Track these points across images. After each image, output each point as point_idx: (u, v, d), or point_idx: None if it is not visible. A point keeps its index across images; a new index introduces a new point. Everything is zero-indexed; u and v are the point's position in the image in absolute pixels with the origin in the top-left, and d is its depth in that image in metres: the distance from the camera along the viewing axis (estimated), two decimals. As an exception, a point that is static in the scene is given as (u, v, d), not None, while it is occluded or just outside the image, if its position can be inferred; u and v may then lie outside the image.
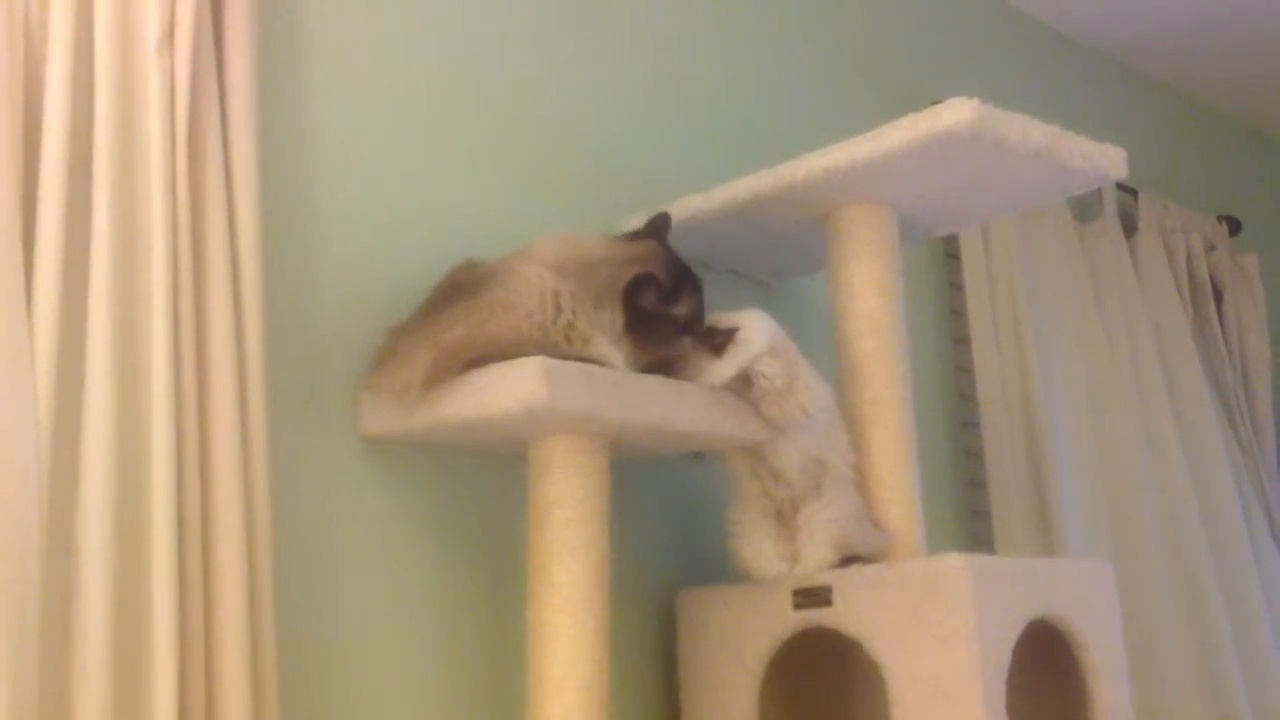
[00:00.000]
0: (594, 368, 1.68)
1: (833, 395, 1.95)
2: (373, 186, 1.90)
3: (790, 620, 1.86)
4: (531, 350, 1.63)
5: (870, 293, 2.00)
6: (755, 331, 1.84)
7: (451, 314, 1.71)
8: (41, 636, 1.40)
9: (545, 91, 2.16)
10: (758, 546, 1.90)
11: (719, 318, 1.86)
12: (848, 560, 1.85)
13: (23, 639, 1.38)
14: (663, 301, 1.77)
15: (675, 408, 1.77)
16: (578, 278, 1.73)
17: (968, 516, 2.67)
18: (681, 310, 1.80)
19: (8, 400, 1.42)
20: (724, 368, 1.82)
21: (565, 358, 1.66)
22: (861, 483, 1.93)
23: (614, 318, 1.74)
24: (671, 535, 2.13)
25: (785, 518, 1.91)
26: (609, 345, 1.72)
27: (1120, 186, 3.15)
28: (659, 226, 1.88)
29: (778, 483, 1.91)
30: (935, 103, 1.88)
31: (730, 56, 2.48)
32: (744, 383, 1.84)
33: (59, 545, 1.44)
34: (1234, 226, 3.56)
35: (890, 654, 1.75)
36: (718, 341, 1.82)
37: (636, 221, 2.06)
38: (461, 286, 1.74)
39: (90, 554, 1.45)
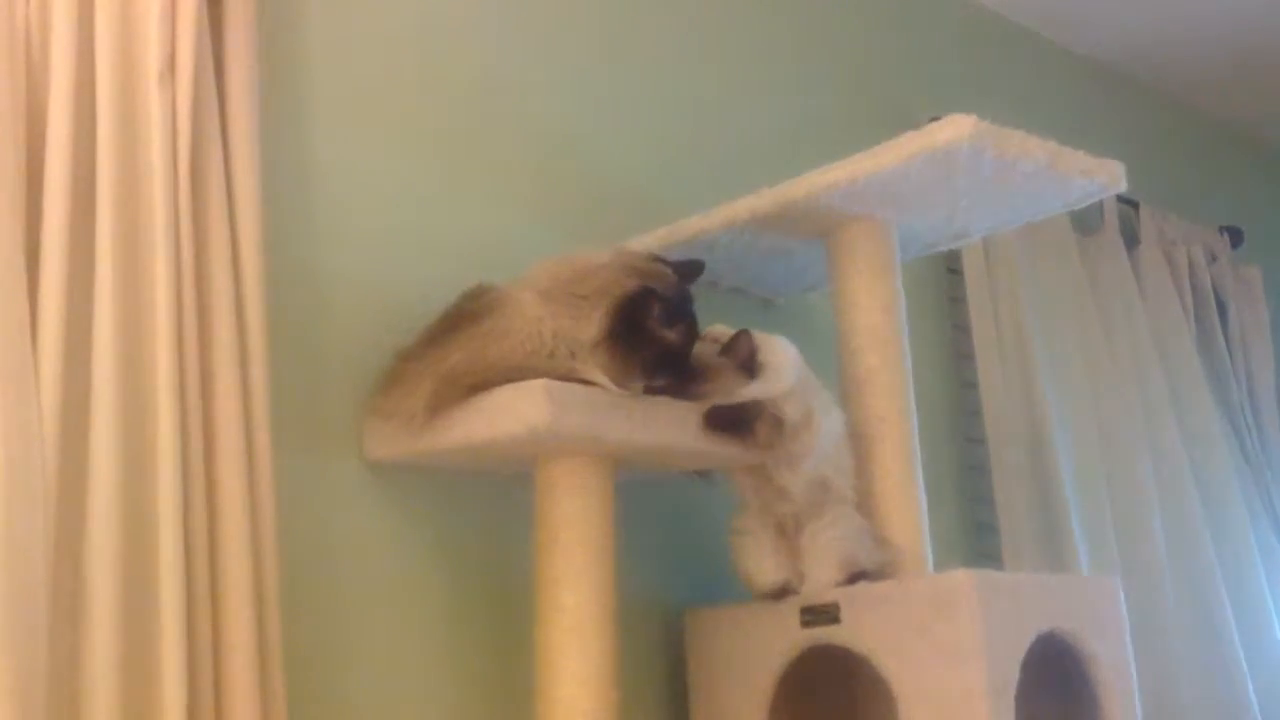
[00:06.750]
0: (597, 390, 1.68)
1: (843, 418, 1.94)
2: (376, 213, 1.91)
3: (798, 638, 1.86)
4: (529, 376, 1.64)
5: (873, 308, 2.01)
6: (784, 364, 1.83)
7: (455, 341, 1.72)
8: (50, 658, 1.40)
9: (547, 115, 2.17)
10: (757, 559, 1.91)
11: (753, 336, 1.83)
12: (855, 577, 1.85)
13: (31, 661, 1.38)
14: (662, 323, 1.70)
15: (679, 429, 1.77)
16: (565, 293, 1.71)
17: (974, 531, 2.66)
18: (672, 337, 1.71)
19: (16, 429, 1.43)
20: (752, 389, 1.80)
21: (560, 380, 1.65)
22: (864, 503, 1.93)
23: (591, 325, 1.67)
24: (678, 554, 2.13)
25: (787, 532, 1.92)
26: (596, 370, 1.69)
27: (1121, 199, 3.15)
28: (688, 268, 1.80)
29: (781, 500, 1.92)
30: (934, 119, 1.89)
31: (731, 77, 2.49)
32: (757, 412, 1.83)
33: (66, 573, 1.45)
34: (1236, 238, 3.55)
35: (899, 671, 1.74)
36: (748, 361, 1.80)
37: (643, 242, 2.06)
38: (466, 314, 1.75)
39: (97, 579, 1.45)
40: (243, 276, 1.63)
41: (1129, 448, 2.92)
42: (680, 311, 1.73)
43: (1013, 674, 1.71)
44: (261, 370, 1.63)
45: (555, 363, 1.68)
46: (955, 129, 1.80)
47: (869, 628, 1.79)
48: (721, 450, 1.82)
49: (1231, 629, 2.95)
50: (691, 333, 1.75)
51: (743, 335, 1.83)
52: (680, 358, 1.74)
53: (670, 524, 2.13)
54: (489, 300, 1.75)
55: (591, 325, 1.68)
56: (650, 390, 1.73)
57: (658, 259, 1.80)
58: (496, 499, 1.92)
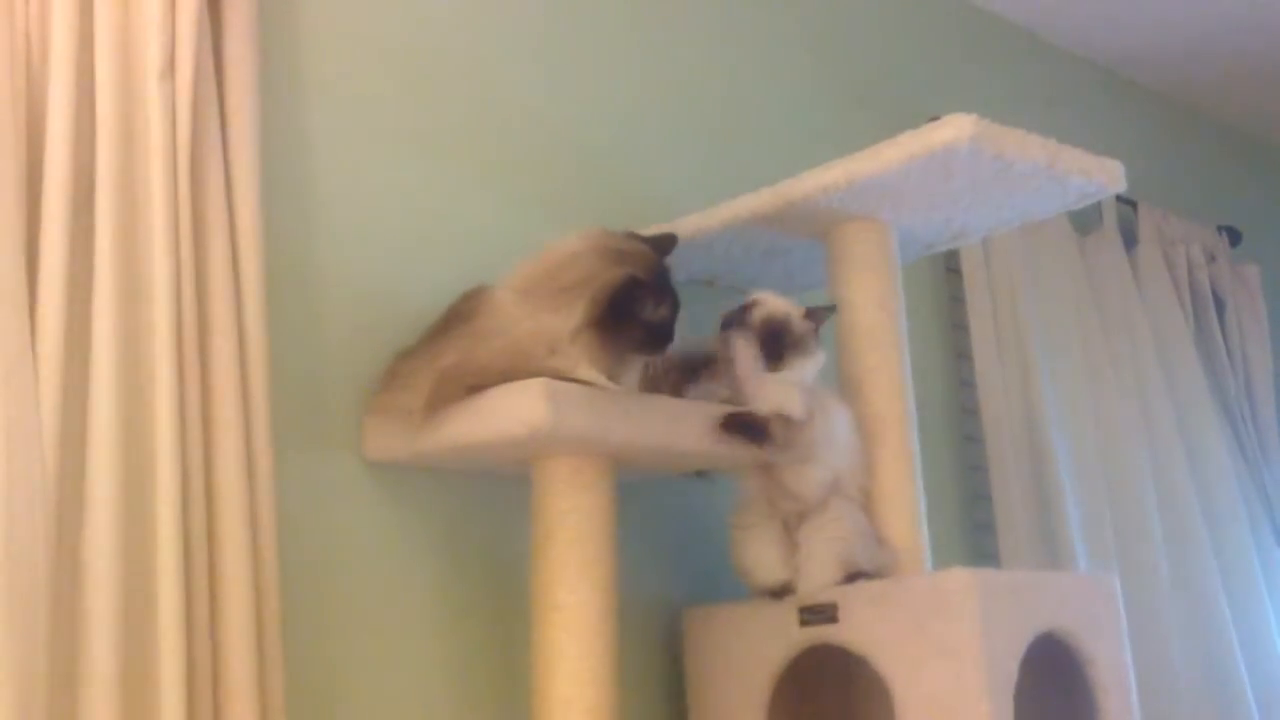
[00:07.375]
0: (596, 390, 1.68)
1: (849, 415, 1.95)
2: (375, 211, 1.91)
3: (797, 637, 1.86)
4: (518, 376, 1.63)
5: (871, 308, 2.01)
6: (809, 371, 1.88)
7: (449, 340, 1.72)
8: (49, 661, 1.41)
9: (547, 112, 2.17)
10: (758, 554, 1.92)
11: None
12: (853, 576, 1.85)
13: (31, 661, 1.38)
14: (649, 306, 1.69)
15: (678, 428, 1.77)
16: (544, 288, 1.69)
17: (972, 530, 2.67)
18: (659, 314, 1.70)
19: (15, 428, 1.43)
20: (812, 365, 1.87)
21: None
22: (867, 504, 1.93)
23: (574, 316, 1.66)
24: (676, 553, 2.14)
25: (790, 528, 1.92)
26: (580, 362, 1.67)
27: (1120, 198, 3.15)
28: (663, 242, 1.81)
29: (786, 497, 1.92)
30: (933, 118, 1.89)
31: (731, 76, 2.49)
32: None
33: (66, 574, 1.45)
34: (1234, 237, 3.56)
35: (897, 670, 1.74)
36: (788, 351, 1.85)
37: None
38: (461, 314, 1.75)
39: (97, 580, 1.45)
40: (242, 276, 1.64)
41: (1127, 446, 2.93)
42: (663, 289, 1.72)
43: (1011, 673, 1.71)
44: (261, 370, 1.63)
45: (534, 363, 1.66)
46: (955, 129, 1.80)
47: (867, 627, 1.79)
48: (731, 452, 1.82)
49: (1228, 626, 2.95)
50: (675, 305, 1.74)
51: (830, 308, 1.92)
52: (667, 332, 1.73)
53: (670, 524, 2.14)
54: (478, 301, 1.75)
55: (574, 316, 1.66)
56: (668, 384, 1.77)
57: (633, 236, 1.79)
58: (496, 498, 1.93)
